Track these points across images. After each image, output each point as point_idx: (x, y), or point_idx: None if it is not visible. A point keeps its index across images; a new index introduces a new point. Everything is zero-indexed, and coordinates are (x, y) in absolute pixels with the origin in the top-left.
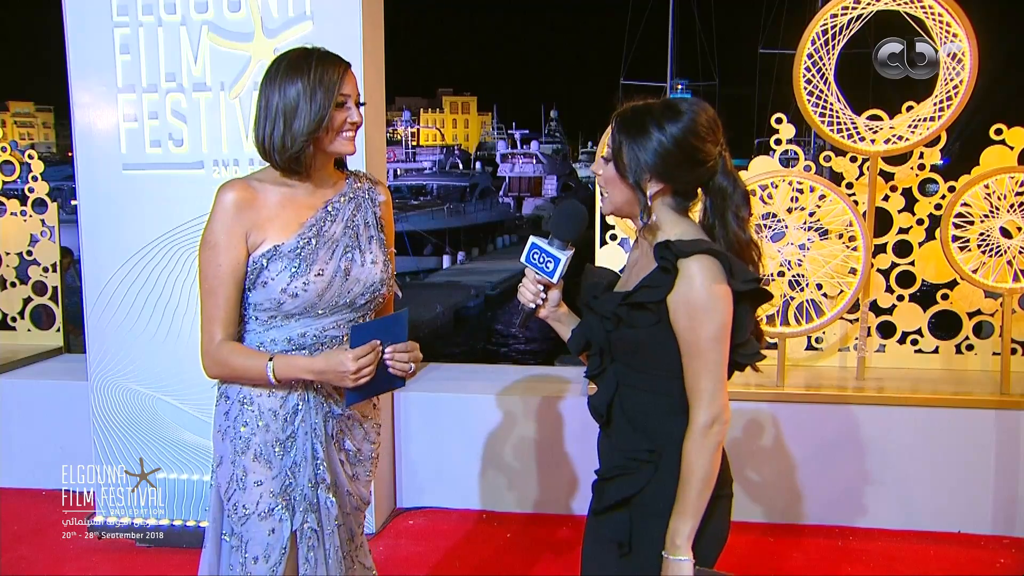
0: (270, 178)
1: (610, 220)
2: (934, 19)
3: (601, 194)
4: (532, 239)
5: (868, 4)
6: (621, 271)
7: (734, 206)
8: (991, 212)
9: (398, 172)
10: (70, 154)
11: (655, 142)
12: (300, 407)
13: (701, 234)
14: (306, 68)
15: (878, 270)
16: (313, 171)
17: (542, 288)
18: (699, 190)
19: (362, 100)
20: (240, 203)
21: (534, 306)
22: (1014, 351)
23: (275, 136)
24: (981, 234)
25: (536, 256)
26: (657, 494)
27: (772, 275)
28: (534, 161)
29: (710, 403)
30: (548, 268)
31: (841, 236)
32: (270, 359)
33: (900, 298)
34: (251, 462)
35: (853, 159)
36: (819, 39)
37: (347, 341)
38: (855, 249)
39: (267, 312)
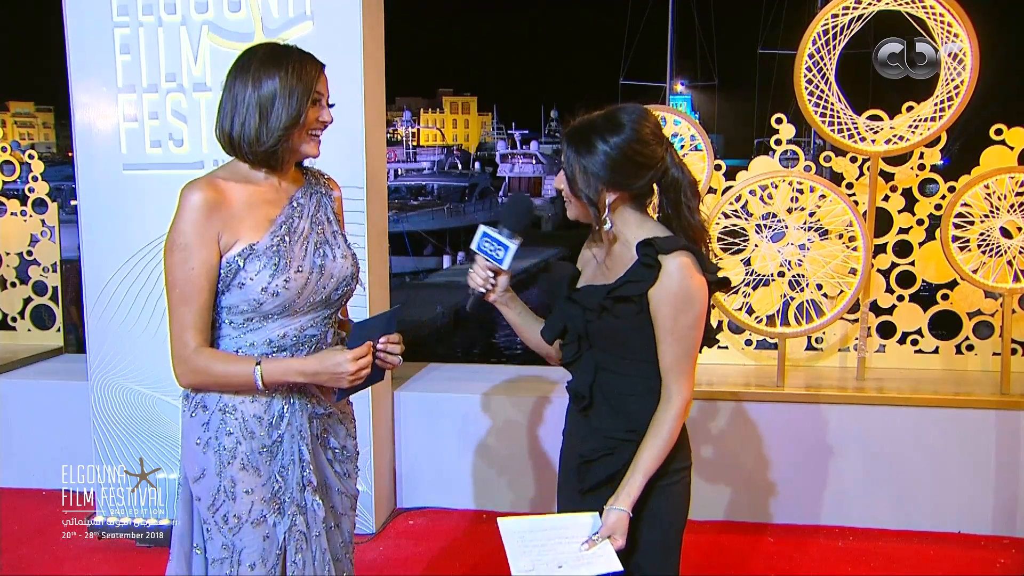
0: (233, 176)
1: None
2: (935, 19)
3: (565, 203)
4: (482, 228)
5: (869, 4)
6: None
7: (685, 196)
8: (991, 212)
9: (398, 172)
10: (70, 154)
11: (602, 155)
12: (286, 411)
13: (666, 231)
14: (284, 63)
15: (878, 270)
16: (284, 167)
17: (491, 274)
18: (654, 187)
19: (332, 102)
20: (210, 203)
21: (484, 291)
22: (1014, 351)
23: (247, 129)
24: (981, 234)
25: (487, 244)
26: None
27: (772, 275)
28: (534, 161)
29: (688, 384)
30: (499, 256)
31: (841, 236)
32: (257, 363)
33: (900, 298)
34: (239, 472)
35: (853, 159)
36: (820, 39)
37: (323, 339)
38: (855, 249)
39: (244, 315)
